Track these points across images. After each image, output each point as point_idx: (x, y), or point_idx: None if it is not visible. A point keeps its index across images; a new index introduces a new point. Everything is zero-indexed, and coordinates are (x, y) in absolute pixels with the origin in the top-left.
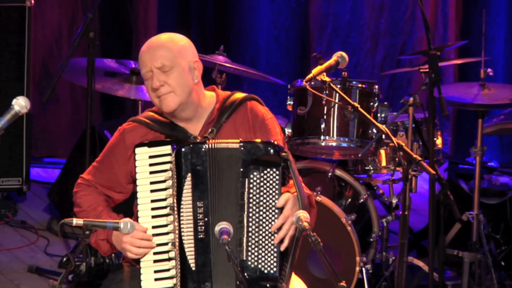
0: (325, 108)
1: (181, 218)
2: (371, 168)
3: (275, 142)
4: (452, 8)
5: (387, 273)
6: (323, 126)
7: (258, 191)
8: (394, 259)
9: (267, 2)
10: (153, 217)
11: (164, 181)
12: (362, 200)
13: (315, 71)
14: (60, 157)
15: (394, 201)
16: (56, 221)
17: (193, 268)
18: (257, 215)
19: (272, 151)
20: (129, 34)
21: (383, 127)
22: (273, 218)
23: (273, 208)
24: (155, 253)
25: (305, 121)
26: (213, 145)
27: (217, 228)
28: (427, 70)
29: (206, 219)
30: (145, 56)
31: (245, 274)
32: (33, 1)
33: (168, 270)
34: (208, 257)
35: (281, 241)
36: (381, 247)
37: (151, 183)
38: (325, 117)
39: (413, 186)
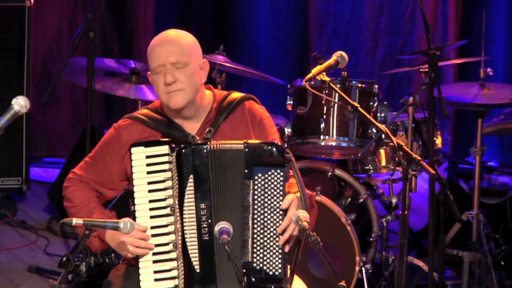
0: (325, 107)
1: (184, 219)
2: (371, 167)
3: (279, 143)
4: (452, 8)
5: (387, 273)
6: (322, 125)
7: (262, 192)
8: (394, 258)
9: (266, 2)
10: (152, 217)
11: (163, 181)
12: (362, 200)
13: (314, 70)
14: (60, 157)
15: (394, 200)
16: (56, 221)
17: (198, 270)
18: (262, 216)
19: (276, 152)
20: (129, 34)
21: (382, 126)
22: (277, 219)
23: (278, 210)
24: (154, 254)
25: (304, 121)
26: (215, 146)
27: (216, 228)
28: (427, 70)
29: (209, 220)
30: (158, 50)
31: (251, 276)
32: (33, 1)
33: (169, 270)
34: (212, 259)
35: (285, 242)
36: (381, 247)
37: (149, 183)
38: (324, 116)
39: (413, 185)
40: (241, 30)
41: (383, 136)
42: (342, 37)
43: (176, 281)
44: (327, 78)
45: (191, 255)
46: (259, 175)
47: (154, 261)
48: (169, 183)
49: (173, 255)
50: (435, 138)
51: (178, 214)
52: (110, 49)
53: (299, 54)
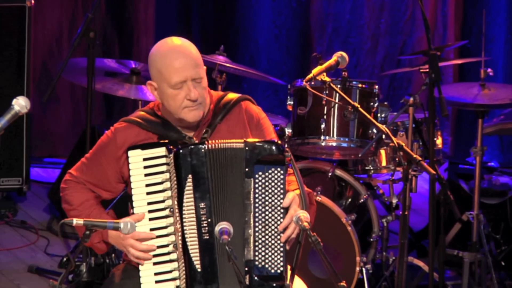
0: (325, 108)
1: (184, 219)
2: (371, 168)
3: (278, 141)
4: (452, 8)
5: (387, 273)
6: (323, 126)
7: (263, 190)
8: (394, 259)
9: (267, 2)
10: (151, 219)
11: (161, 183)
12: (362, 200)
13: (315, 71)
14: (60, 157)
15: (394, 201)
16: (56, 221)
17: (199, 270)
18: (263, 214)
19: (276, 150)
20: (129, 34)
21: (383, 127)
22: (279, 217)
23: (279, 208)
24: (155, 255)
25: (305, 121)
26: (213, 145)
27: (217, 228)
28: (427, 70)
29: (209, 220)
30: (178, 64)
31: (253, 274)
32: (33, 1)
33: (170, 272)
34: (213, 258)
35: (286, 240)
36: (381, 247)
37: (147, 185)
38: (325, 117)
39: (413, 186)
40: (242, 30)
41: (383, 136)
42: (343, 37)
43: (177, 282)
44: (327, 79)
45: (191, 255)
46: (260, 173)
47: (155, 263)
48: (167, 185)
49: (173, 256)
50: (435, 139)
51: (177, 215)
52: (110, 49)
53: (300, 54)
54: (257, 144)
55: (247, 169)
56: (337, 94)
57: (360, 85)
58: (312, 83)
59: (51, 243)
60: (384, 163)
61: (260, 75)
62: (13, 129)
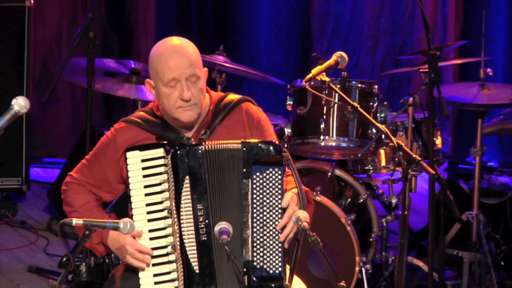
0: (325, 108)
1: (181, 221)
2: (371, 168)
3: (276, 142)
4: (452, 8)
5: (386, 273)
6: (322, 126)
7: (261, 191)
8: (394, 259)
9: (267, 2)
10: (149, 220)
11: (159, 184)
12: (361, 200)
13: (314, 71)
14: (60, 157)
15: (394, 201)
16: (56, 221)
17: (197, 271)
18: (261, 215)
19: (273, 150)
20: (129, 34)
21: (382, 127)
22: (276, 218)
23: (277, 208)
24: (153, 257)
25: (304, 121)
26: (210, 146)
27: (216, 228)
28: (427, 70)
29: (207, 221)
30: (172, 63)
31: (251, 275)
32: (32, 1)
33: (168, 273)
34: (211, 259)
35: (285, 239)
36: (381, 247)
37: (145, 186)
38: (324, 117)
39: (413, 186)
40: (242, 30)
41: (383, 136)
42: (343, 37)
43: (176, 283)
44: (327, 78)
45: (189, 257)
46: (257, 174)
47: (153, 264)
48: (165, 186)
49: (172, 257)
50: (435, 138)
51: (175, 216)
52: (110, 49)
53: (300, 54)
54: (255, 144)
55: (244, 170)
56: (337, 94)
57: (359, 85)
58: (312, 83)
59: (51, 243)
60: (383, 163)
61: (260, 75)
62: (13, 129)
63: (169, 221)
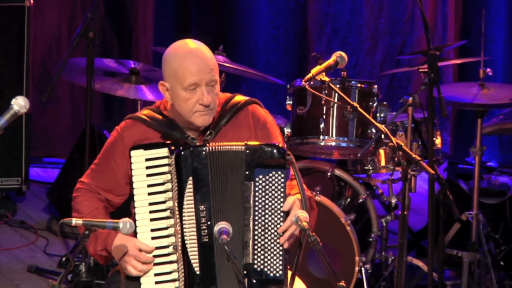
0: (324, 108)
1: (183, 221)
2: (371, 168)
3: (280, 145)
4: (452, 8)
5: (386, 273)
6: (322, 126)
7: (264, 194)
8: (394, 259)
9: (266, 2)
10: (152, 220)
11: (162, 184)
12: (361, 200)
13: (314, 71)
14: (60, 157)
15: (394, 201)
16: (55, 221)
17: (198, 272)
18: (263, 218)
19: (277, 153)
20: (128, 34)
21: (382, 127)
22: (278, 221)
23: (279, 211)
24: (155, 256)
25: (304, 121)
26: (214, 148)
27: (216, 228)
28: (427, 70)
29: (209, 222)
30: (194, 68)
31: (252, 277)
32: (32, 1)
33: (169, 273)
34: (212, 261)
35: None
36: (381, 247)
37: (149, 186)
38: (324, 117)
39: (413, 186)
40: (241, 30)
41: (382, 136)
42: (342, 37)
43: (176, 283)
44: (326, 78)
45: (190, 257)
46: (260, 176)
47: (155, 264)
48: (168, 186)
49: (173, 257)
50: (434, 138)
51: (177, 216)
52: (109, 49)
53: (298, 54)
54: (258, 147)
55: (247, 172)
56: (336, 94)
57: (359, 85)
58: (311, 83)
59: (51, 243)
60: (383, 163)
61: (260, 75)
62: (12, 129)
63: (171, 221)
